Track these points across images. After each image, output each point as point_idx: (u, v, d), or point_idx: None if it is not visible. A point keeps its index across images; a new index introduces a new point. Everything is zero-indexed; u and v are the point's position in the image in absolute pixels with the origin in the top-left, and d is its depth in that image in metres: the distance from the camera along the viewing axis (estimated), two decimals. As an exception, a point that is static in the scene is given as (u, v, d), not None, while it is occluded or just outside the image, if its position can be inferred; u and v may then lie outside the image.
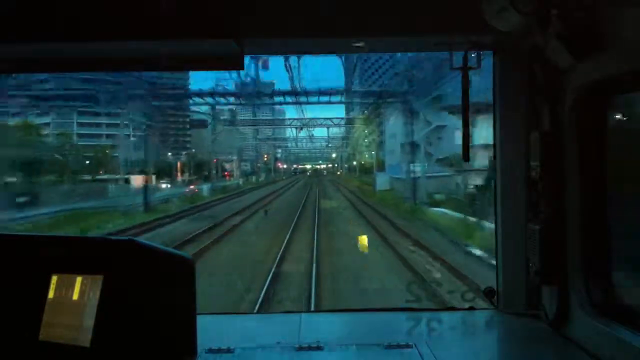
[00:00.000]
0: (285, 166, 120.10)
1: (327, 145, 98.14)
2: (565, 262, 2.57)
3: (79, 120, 70.17)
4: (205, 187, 52.37)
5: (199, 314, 2.19)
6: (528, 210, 2.80)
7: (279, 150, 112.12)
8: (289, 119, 66.81)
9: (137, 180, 54.56)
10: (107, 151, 66.14)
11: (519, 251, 2.85)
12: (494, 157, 3.01)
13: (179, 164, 67.89)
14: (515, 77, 2.85)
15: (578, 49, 2.24)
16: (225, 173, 77.70)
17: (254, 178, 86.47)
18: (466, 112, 2.91)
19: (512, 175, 2.90)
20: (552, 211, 2.60)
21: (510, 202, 2.93)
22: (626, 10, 2.05)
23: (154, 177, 60.31)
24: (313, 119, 60.88)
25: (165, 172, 65.62)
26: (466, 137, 2.93)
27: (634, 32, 2.01)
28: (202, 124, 74.07)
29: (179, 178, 66.81)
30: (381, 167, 67.22)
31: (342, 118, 71.93)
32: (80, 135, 69.78)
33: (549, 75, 2.55)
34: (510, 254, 2.95)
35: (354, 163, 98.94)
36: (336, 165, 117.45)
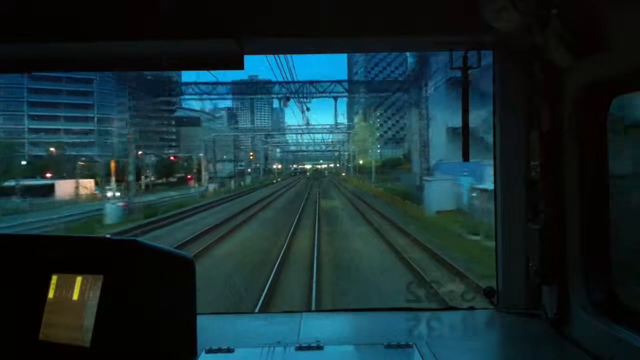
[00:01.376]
0: (279, 166, 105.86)
1: (329, 138, 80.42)
2: (565, 262, 2.57)
3: (30, 113, 59.37)
4: (111, 207, 30.58)
5: (199, 314, 2.19)
6: (528, 210, 2.80)
7: (272, 148, 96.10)
8: (272, 81, 42.37)
9: (64, 188, 42.45)
10: (53, 149, 54.30)
11: (519, 251, 2.85)
12: (494, 157, 3.02)
13: (112, 165, 49.61)
14: (515, 77, 2.85)
15: (578, 49, 2.24)
16: (189, 177, 61.19)
17: (232, 183, 63.71)
18: (466, 112, 2.91)
19: (512, 175, 2.90)
20: (552, 211, 2.60)
21: (510, 202, 2.93)
22: (626, 10, 2.05)
23: (93, 182, 47.92)
24: (308, 82, 39.22)
25: (126, 175, 51.95)
26: (466, 136, 2.93)
27: (634, 32, 2.01)
28: (192, 121, 64.73)
29: (127, 183, 50.25)
30: (408, 165, 50.49)
31: (346, 80, 48.77)
32: (33, 131, 58.98)
33: (549, 75, 2.55)
34: (510, 254, 2.95)
35: (361, 162, 79.63)
36: (338, 164, 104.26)
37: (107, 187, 48.09)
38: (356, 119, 76.58)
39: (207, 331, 2.42)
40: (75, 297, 2.04)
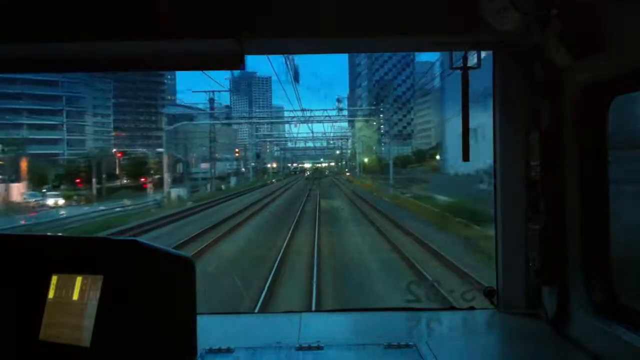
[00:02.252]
0: (274, 165, 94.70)
1: (330, 130, 71.26)
2: (565, 262, 2.57)
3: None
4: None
5: (199, 314, 2.19)
6: (528, 210, 2.80)
7: (265, 144, 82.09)
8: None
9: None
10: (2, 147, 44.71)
11: (519, 251, 2.85)
12: (494, 157, 3.02)
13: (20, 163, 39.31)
14: (515, 77, 2.85)
15: (578, 49, 2.24)
16: (143, 179, 48.73)
17: (209, 187, 50.80)
18: (466, 112, 2.91)
19: (512, 175, 2.90)
20: (552, 211, 2.60)
21: (510, 202, 2.93)
22: (626, 10, 2.05)
23: (22, 185, 38.63)
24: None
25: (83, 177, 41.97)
26: (466, 136, 2.93)
27: (634, 32, 2.01)
28: (186, 118, 54.28)
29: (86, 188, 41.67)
30: (431, 162, 40.05)
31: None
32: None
33: (549, 74, 2.55)
34: (510, 254, 2.95)
35: (365, 160, 68.91)
36: (340, 163, 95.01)
37: (51, 193, 39.01)
38: (359, 118, 70.35)
39: (207, 331, 2.42)
40: (75, 297, 2.04)
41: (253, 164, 77.28)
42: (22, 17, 2.58)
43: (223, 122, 58.46)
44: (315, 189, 49.42)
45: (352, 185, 57.73)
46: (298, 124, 57.14)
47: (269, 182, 73.83)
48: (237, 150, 71.67)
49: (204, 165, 58.07)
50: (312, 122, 56.39)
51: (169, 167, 42.89)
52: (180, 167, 48.74)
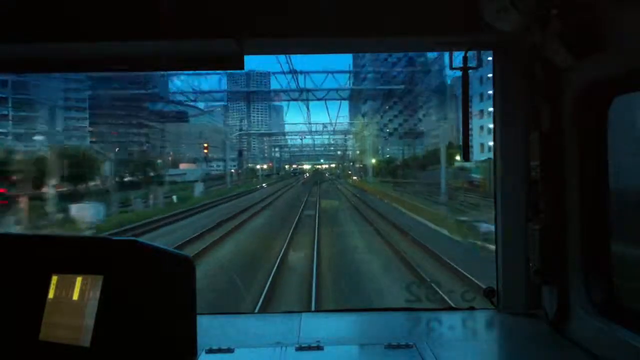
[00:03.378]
0: (265, 167, 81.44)
1: (333, 121, 61.41)
2: (565, 262, 2.57)
3: None
4: None
5: (199, 314, 2.19)
6: (528, 210, 2.80)
7: (252, 140, 70.56)
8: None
9: None
10: None
11: (519, 251, 2.85)
12: (494, 157, 3.02)
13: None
14: (515, 77, 2.85)
15: (578, 49, 2.24)
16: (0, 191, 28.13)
17: (153, 199, 33.51)
18: (466, 112, 2.92)
19: (512, 175, 2.90)
20: (552, 211, 2.60)
21: (510, 202, 2.93)
22: (626, 10, 2.05)
23: None
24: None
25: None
26: (466, 136, 2.94)
27: (634, 32, 2.02)
28: (179, 116, 47.13)
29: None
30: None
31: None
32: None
33: (549, 75, 2.55)
34: (510, 254, 2.95)
35: (373, 161, 57.28)
36: (341, 165, 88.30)
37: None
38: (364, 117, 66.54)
39: (207, 331, 2.42)
40: (75, 297, 2.04)
41: (235, 166, 62.15)
42: (22, 17, 2.58)
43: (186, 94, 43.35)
44: (311, 208, 32.88)
45: (367, 196, 39.75)
46: (287, 103, 42.50)
47: (257, 187, 57.32)
48: (205, 145, 53.93)
49: (184, 166, 46.67)
50: (308, 93, 41.29)
51: (54, 167, 28.83)
52: (108, 169, 33.49)
